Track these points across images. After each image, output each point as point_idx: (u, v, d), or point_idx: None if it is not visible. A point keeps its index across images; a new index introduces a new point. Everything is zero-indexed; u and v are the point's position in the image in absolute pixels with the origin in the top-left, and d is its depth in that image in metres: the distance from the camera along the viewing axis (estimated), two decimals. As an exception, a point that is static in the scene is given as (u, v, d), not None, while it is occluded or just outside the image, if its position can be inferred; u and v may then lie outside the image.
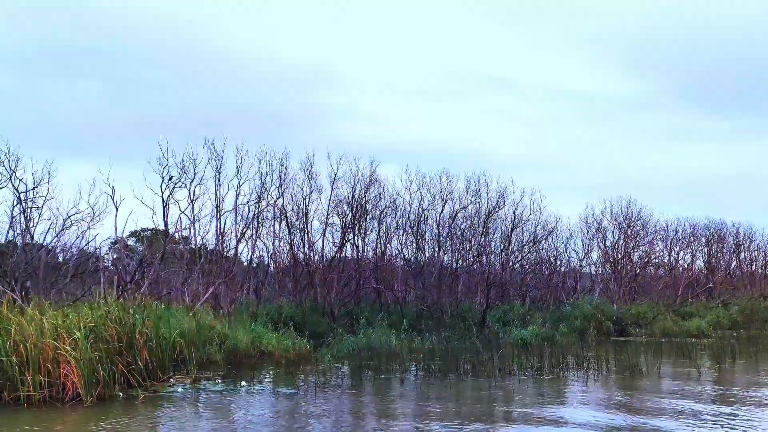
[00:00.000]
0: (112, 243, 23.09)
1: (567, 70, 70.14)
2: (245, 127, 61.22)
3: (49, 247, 19.78)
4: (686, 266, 35.10)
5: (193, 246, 22.84)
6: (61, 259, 21.95)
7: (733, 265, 37.59)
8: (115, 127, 55.09)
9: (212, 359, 15.10)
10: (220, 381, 13.09)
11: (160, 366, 12.96)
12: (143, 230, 28.71)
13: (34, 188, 18.62)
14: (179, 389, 12.14)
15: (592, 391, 12.26)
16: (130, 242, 30.82)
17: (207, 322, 16.34)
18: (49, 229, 19.30)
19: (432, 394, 11.89)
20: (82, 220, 19.58)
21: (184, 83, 62.80)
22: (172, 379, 12.90)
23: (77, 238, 20.04)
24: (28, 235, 18.83)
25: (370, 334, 19.23)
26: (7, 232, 18.94)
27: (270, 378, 13.79)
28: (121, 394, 11.32)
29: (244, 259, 25.30)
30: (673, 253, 34.75)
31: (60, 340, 10.97)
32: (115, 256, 24.80)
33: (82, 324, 11.40)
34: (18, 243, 19.17)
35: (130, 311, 12.95)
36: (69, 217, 19.32)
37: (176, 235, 21.98)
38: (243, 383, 12.75)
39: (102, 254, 23.17)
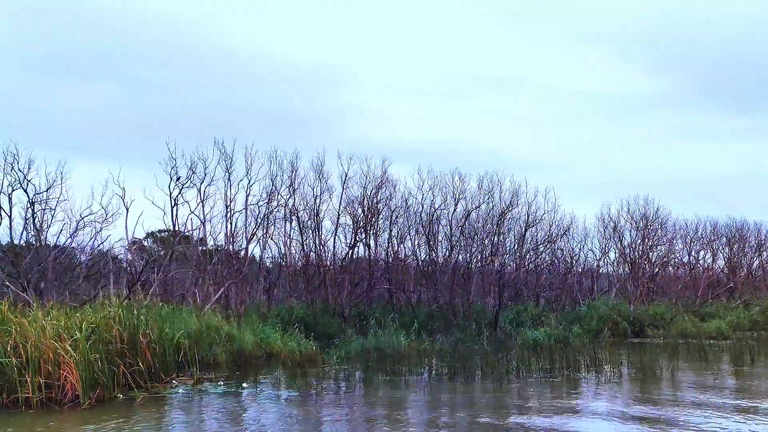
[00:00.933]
0: (128, 244, 23.22)
1: (567, 70, 69.36)
2: (246, 127, 61.30)
3: (63, 248, 19.93)
4: (707, 266, 34.34)
5: (204, 247, 22.86)
6: (78, 260, 22.12)
7: (755, 265, 36.68)
8: (116, 127, 55.45)
9: (218, 360, 15.04)
10: (222, 383, 13.00)
11: (163, 367, 12.91)
12: (159, 231, 28.89)
13: (46, 190, 18.78)
14: (180, 391, 12.07)
15: (601, 393, 11.96)
16: (147, 243, 31.03)
17: (214, 323, 16.28)
18: (62, 230, 19.49)
19: (437, 397, 11.67)
20: (95, 221, 19.74)
21: (185, 83, 63.09)
22: (174, 381, 12.84)
23: (91, 239, 20.21)
24: (40, 237, 18.97)
25: (380, 336, 19.03)
26: (21, 233, 19.13)
27: (273, 380, 13.67)
28: (121, 395, 11.28)
29: (255, 260, 25.31)
30: (693, 252, 34.05)
31: (61, 342, 10.95)
32: (128, 257, 24.93)
33: (83, 325, 11.38)
34: (33, 244, 19.34)
35: (135, 312, 12.92)
36: (83, 218, 19.48)
37: (187, 235, 22.01)
38: (245, 385, 12.66)
39: (117, 255, 23.32)
